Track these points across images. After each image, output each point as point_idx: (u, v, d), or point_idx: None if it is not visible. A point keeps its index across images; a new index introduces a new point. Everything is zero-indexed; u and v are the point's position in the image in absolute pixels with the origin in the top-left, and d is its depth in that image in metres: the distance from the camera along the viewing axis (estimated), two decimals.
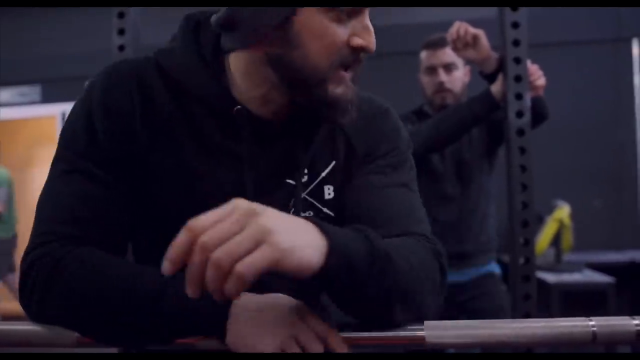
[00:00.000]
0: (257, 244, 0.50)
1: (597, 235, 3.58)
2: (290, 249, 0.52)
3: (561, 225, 2.98)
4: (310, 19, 0.68)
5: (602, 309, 2.73)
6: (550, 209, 3.04)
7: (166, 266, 0.51)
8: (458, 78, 1.94)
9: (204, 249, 0.50)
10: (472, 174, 1.95)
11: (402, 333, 0.65)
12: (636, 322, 0.63)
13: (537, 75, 1.71)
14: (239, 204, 0.53)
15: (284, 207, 0.74)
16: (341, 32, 0.69)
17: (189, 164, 0.74)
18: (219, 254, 0.50)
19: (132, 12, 1.59)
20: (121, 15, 1.58)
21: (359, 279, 0.58)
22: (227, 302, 0.63)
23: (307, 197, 0.78)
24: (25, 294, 0.68)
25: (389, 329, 0.65)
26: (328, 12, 0.67)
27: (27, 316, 0.69)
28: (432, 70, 1.94)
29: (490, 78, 1.69)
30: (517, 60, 1.54)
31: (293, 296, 0.66)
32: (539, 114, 1.73)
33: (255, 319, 0.62)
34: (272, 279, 0.55)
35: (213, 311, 0.63)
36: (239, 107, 0.73)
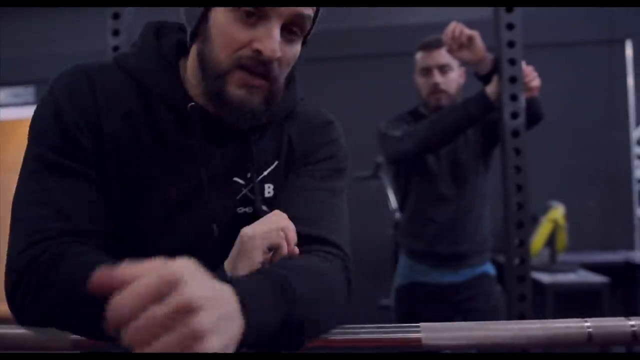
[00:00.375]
0: (175, 323, 0.44)
1: (591, 236, 3.59)
2: (209, 333, 0.45)
3: (556, 226, 2.99)
4: (219, 15, 0.72)
5: (597, 309, 2.74)
6: (545, 210, 3.06)
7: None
8: (453, 79, 1.94)
9: (121, 320, 0.45)
10: (467, 175, 1.96)
11: (398, 335, 0.65)
12: (631, 322, 0.64)
13: (532, 77, 1.71)
14: (161, 269, 0.46)
15: (230, 203, 0.80)
16: (244, 32, 0.72)
17: (149, 159, 0.76)
18: (134, 331, 0.44)
19: (127, 13, 1.58)
20: (116, 16, 1.58)
21: (270, 345, 0.59)
22: None
23: (248, 193, 0.81)
24: (19, 294, 0.67)
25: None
26: (233, 12, 0.71)
27: (16, 318, 0.68)
28: (427, 71, 1.94)
29: (485, 79, 1.69)
30: (512, 62, 1.55)
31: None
32: (533, 115, 1.73)
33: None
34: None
35: None
36: (192, 104, 0.77)
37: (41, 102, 0.76)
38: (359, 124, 3.55)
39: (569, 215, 3.09)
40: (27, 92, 4.47)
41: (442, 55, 1.89)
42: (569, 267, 2.99)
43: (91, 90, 0.76)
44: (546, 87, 1.78)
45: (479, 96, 1.71)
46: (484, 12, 2.70)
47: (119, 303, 0.44)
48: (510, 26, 1.53)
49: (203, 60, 0.75)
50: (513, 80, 1.55)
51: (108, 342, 0.66)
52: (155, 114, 0.77)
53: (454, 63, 1.92)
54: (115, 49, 1.56)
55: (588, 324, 0.63)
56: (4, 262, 0.69)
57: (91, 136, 0.74)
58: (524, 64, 1.59)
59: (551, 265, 3.00)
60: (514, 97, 1.55)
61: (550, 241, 3.01)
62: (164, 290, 0.44)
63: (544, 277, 2.85)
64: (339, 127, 0.90)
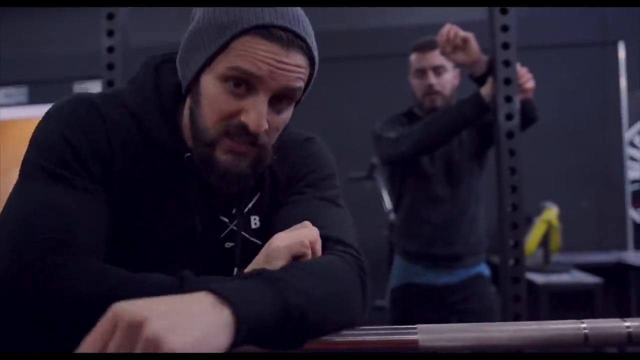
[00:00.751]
0: (130, 342, 0.47)
1: (584, 237, 3.61)
2: (191, 348, 0.48)
3: (549, 227, 3.00)
4: (210, 82, 0.73)
5: (590, 309, 2.75)
6: (539, 211, 3.07)
7: None
8: (447, 81, 1.94)
9: None
10: (462, 176, 1.96)
11: (395, 337, 0.65)
12: (627, 324, 0.64)
13: (526, 78, 1.72)
14: (120, 315, 0.48)
15: (219, 240, 0.82)
16: (232, 103, 0.72)
17: (147, 199, 0.77)
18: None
19: (121, 13, 1.58)
20: (110, 17, 1.57)
21: (271, 340, 0.59)
22: None
23: (234, 227, 0.82)
24: (19, 299, 0.64)
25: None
26: (222, 82, 0.72)
27: None
28: (421, 72, 1.95)
29: (480, 81, 1.70)
30: (507, 63, 1.55)
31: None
32: (528, 117, 1.74)
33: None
34: None
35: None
36: (188, 155, 0.78)
37: (47, 125, 0.75)
38: (354, 124, 3.56)
39: (562, 216, 3.10)
40: (20, 92, 4.45)
41: (437, 57, 1.89)
42: (563, 268, 3.01)
43: (103, 126, 0.76)
44: (539, 88, 1.78)
45: (474, 98, 1.71)
46: (479, 14, 2.71)
47: (84, 348, 0.48)
48: (504, 28, 1.54)
49: (193, 123, 0.76)
50: (508, 81, 1.55)
51: None
52: (155, 156, 0.79)
53: (448, 64, 1.92)
54: (110, 49, 1.56)
55: (584, 325, 0.63)
56: None
57: (101, 167, 0.75)
58: (518, 66, 1.59)
59: (545, 266, 3.02)
60: (508, 99, 1.55)
61: (544, 242, 3.02)
62: (131, 335, 0.47)
63: (538, 278, 2.86)
64: (320, 141, 0.92)
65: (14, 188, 0.73)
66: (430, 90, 1.93)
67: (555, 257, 3.16)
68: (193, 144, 0.77)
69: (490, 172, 1.75)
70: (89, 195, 0.72)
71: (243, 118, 0.72)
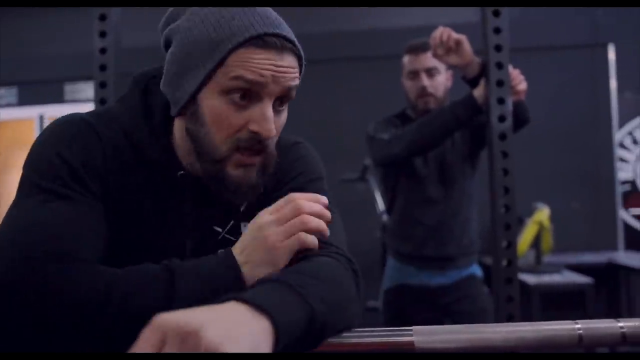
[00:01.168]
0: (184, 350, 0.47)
1: (575, 237, 3.64)
2: (220, 344, 0.47)
3: (541, 227, 3.02)
4: (210, 100, 0.73)
5: (581, 309, 2.78)
6: (530, 212, 3.09)
7: None
8: (440, 82, 1.95)
9: None
10: (455, 177, 1.97)
11: (391, 338, 0.65)
12: (620, 324, 0.64)
13: (518, 80, 1.73)
14: (168, 325, 0.47)
15: (211, 249, 0.80)
16: (238, 115, 0.73)
17: (141, 215, 0.78)
18: None
19: (114, 14, 1.57)
20: (102, 18, 1.56)
21: (293, 347, 0.59)
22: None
23: (226, 235, 0.83)
24: (19, 303, 0.64)
25: None
26: (225, 96, 0.72)
27: None
28: (414, 74, 1.95)
29: (473, 82, 1.71)
30: (499, 65, 1.56)
31: None
32: (520, 118, 1.75)
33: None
34: None
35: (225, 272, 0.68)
36: (182, 172, 0.79)
37: (42, 144, 0.76)
38: (346, 126, 3.56)
39: (553, 217, 3.12)
40: (10, 93, 4.41)
41: (429, 59, 1.90)
42: (554, 268, 3.03)
43: (99, 143, 0.77)
44: (530, 90, 1.80)
45: (467, 99, 1.72)
46: (471, 16, 2.72)
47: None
48: (497, 30, 1.55)
49: (197, 142, 0.76)
50: (500, 83, 1.56)
51: None
52: (149, 174, 0.79)
53: (441, 66, 1.93)
54: (103, 50, 1.55)
55: (578, 325, 0.64)
56: None
57: (97, 183, 0.75)
58: (510, 68, 1.60)
59: (537, 267, 3.04)
60: (501, 101, 1.56)
61: (536, 243, 3.04)
62: (187, 345, 0.46)
63: (530, 278, 2.88)
64: (307, 145, 0.93)
65: (10, 207, 0.73)
66: (423, 92, 1.93)
67: (547, 258, 3.18)
68: (197, 163, 0.78)
69: (483, 173, 1.76)
70: (86, 209, 0.72)
71: (252, 127, 0.73)
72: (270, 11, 0.76)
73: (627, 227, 3.75)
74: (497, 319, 1.54)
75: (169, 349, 0.46)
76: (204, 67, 0.72)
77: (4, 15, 4.17)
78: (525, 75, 1.76)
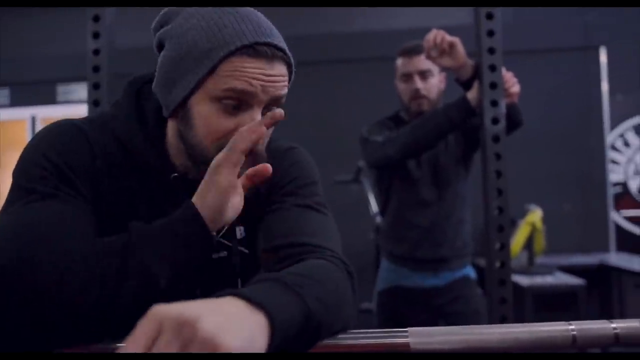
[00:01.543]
0: (182, 341, 0.46)
1: (567, 239, 3.66)
2: (242, 348, 0.48)
3: (533, 229, 3.04)
4: (201, 105, 0.74)
5: (574, 310, 2.79)
6: (523, 213, 3.10)
7: None
8: (434, 85, 1.96)
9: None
10: (448, 179, 1.98)
11: (386, 340, 0.66)
12: (613, 325, 0.65)
13: (511, 82, 1.74)
14: (166, 315, 0.47)
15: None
16: (227, 122, 0.74)
17: (134, 218, 0.77)
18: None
19: (107, 15, 1.56)
20: (96, 19, 1.55)
21: (289, 345, 0.59)
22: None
23: (220, 239, 0.84)
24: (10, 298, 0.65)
25: None
26: (215, 103, 0.74)
27: None
28: (408, 77, 1.96)
29: (466, 85, 1.71)
30: (493, 68, 1.57)
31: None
32: (513, 121, 1.76)
33: None
34: None
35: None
36: (175, 175, 0.80)
37: (32, 149, 0.76)
38: (340, 128, 3.57)
39: (546, 219, 3.14)
40: (2, 94, 4.39)
41: (423, 61, 1.90)
42: (547, 270, 3.05)
43: (89, 148, 0.78)
44: (523, 92, 1.81)
45: (460, 102, 1.72)
46: (464, 18, 2.73)
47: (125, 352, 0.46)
48: (490, 33, 1.56)
49: (187, 144, 0.77)
50: (493, 86, 1.57)
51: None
52: (142, 177, 0.80)
53: (434, 69, 1.94)
54: (96, 52, 1.54)
55: (572, 327, 0.64)
56: None
57: (87, 186, 0.76)
58: (504, 70, 1.61)
59: (529, 268, 3.05)
60: (494, 103, 1.57)
61: (528, 244, 3.06)
62: (183, 336, 0.46)
63: (523, 280, 2.90)
64: (302, 150, 0.94)
65: (0, 211, 0.73)
66: (416, 95, 1.94)
67: (539, 259, 3.20)
68: (189, 164, 0.79)
69: (476, 175, 1.77)
70: (74, 208, 0.73)
71: None
72: (262, 18, 0.77)
73: (619, 229, 3.78)
74: (491, 321, 1.54)
75: (165, 338, 0.46)
76: (196, 74, 0.73)
77: None
78: (518, 77, 1.77)
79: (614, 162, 3.82)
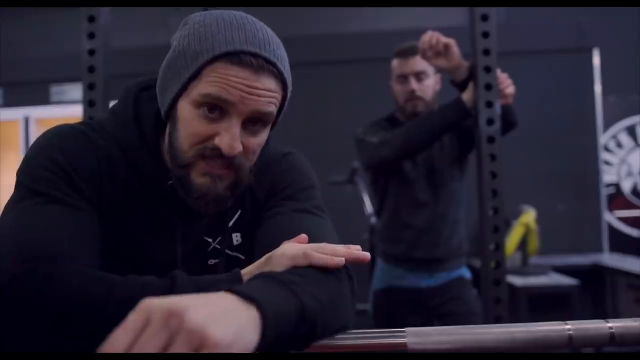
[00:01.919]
0: (169, 333, 0.46)
1: (561, 239, 3.68)
2: (229, 345, 0.47)
3: (527, 230, 3.05)
4: (185, 108, 0.74)
5: (568, 310, 2.81)
6: (517, 214, 3.12)
7: None
8: (429, 86, 1.96)
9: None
10: (443, 180, 1.98)
11: (384, 340, 0.66)
12: (609, 325, 0.66)
13: (506, 84, 1.75)
14: (154, 308, 0.47)
15: (202, 259, 0.84)
16: (206, 127, 0.74)
17: (133, 224, 0.79)
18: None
19: (103, 15, 1.56)
20: (91, 19, 1.55)
21: (283, 342, 0.59)
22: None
23: (216, 245, 0.85)
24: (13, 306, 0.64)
25: None
26: (197, 108, 0.73)
27: None
28: (403, 78, 1.96)
29: (461, 86, 1.72)
30: (488, 69, 1.58)
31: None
32: (508, 122, 1.76)
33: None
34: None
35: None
36: (171, 182, 0.79)
37: (36, 152, 0.76)
38: (334, 128, 3.57)
39: (539, 219, 3.15)
40: None
41: (418, 63, 1.91)
42: (541, 270, 3.06)
43: (93, 151, 0.78)
44: (517, 93, 1.81)
45: (456, 103, 1.73)
46: (459, 20, 2.75)
47: (111, 343, 0.45)
48: (485, 34, 1.56)
49: (170, 146, 0.78)
50: (488, 87, 1.57)
51: None
52: (141, 183, 0.81)
53: (430, 70, 1.94)
54: (91, 52, 1.54)
55: (568, 326, 0.65)
56: None
57: (92, 189, 0.76)
58: (498, 71, 1.62)
59: (523, 268, 3.07)
60: (489, 104, 1.58)
61: (522, 244, 3.07)
62: (169, 325, 0.46)
63: (517, 280, 2.91)
64: (298, 156, 0.93)
65: (3, 212, 0.73)
66: (412, 96, 1.94)
67: (533, 260, 3.21)
68: (171, 166, 0.79)
69: (471, 176, 1.78)
70: (81, 213, 0.73)
71: (216, 140, 0.74)
72: (263, 30, 0.75)
73: (612, 230, 3.80)
74: (486, 321, 1.55)
75: (152, 328, 0.45)
76: (182, 77, 0.74)
77: None
78: (513, 79, 1.78)
79: (607, 163, 3.84)
